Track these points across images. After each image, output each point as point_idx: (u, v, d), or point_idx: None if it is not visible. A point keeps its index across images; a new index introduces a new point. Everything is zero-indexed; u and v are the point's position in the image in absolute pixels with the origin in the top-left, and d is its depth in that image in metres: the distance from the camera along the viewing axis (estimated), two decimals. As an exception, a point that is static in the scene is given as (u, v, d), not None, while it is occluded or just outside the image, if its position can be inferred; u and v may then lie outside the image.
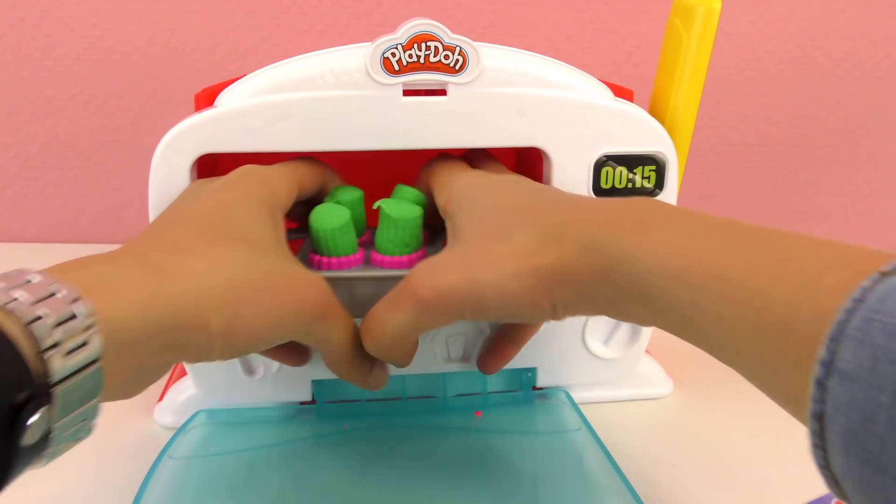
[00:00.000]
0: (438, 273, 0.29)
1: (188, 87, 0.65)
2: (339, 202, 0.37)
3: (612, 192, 0.40)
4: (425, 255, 0.36)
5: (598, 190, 0.40)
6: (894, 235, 0.75)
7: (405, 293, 0.30)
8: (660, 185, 0.40)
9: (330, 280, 0.32)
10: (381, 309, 0.31)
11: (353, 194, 0.38)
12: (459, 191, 0.34)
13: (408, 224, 0.35)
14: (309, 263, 0.36)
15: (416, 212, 0.35)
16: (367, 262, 0.37)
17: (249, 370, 0.42)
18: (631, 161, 0.39)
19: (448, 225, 0.33)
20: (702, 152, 0.71)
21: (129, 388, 0.26)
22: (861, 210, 0.74)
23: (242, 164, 0.35)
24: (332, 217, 0.35)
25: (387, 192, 0.40)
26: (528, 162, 0.46)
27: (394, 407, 0.43)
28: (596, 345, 0.44)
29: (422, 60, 0.36)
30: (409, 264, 0.35)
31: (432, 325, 0.30)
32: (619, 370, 0.45)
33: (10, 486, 0.22)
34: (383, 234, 0.36)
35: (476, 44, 0.36)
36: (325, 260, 0.35)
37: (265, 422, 0.42)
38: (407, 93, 0.37)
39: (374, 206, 0.35)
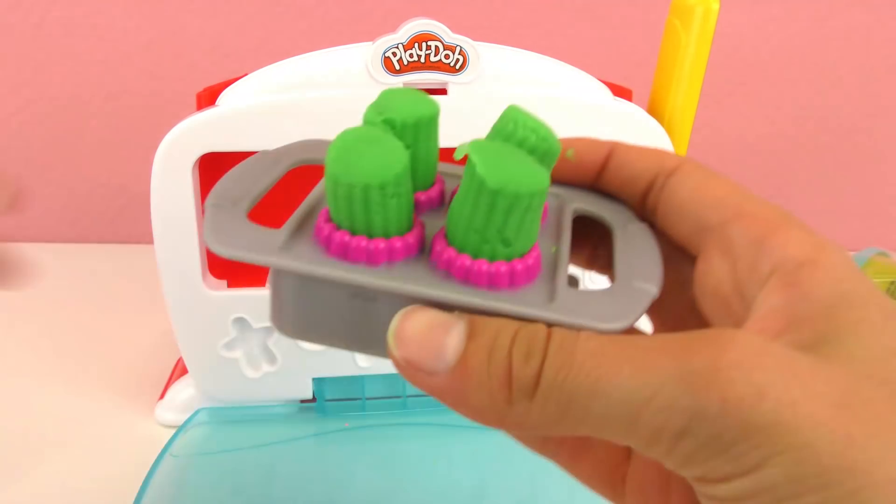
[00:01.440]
0: (802, 389, 0.13)
1: (189, 86, 0.66)
2: (390, 121, 0.20)
3: (612, 191, 0.40)
4: (538, 266, 0.19)
5: (598, 189, 0.40)
6: (894, 235, 0.75)
7: (693, 359, 0.14)
8: (659, 184, 0.40)
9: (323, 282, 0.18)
10: (606, 349, 0.15)
11: (419, 109, 0.20)
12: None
13: (519, 203, 0.17)
14: (316, 236, 0.19)
15: (538, 180, 0.17)
16: (426, 254, 0.19)
17: (252, 366, 0.42)
18: (630, 160, 0.39)
19: (789, 297, 0.16)
20: (701, 152, 0.71)
21: None
22: (861, 210, 0.74)
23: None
24: (371, 160, 0.17)
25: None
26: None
27: (396, 405, 0.43)
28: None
29: (422, 60, 0.36)
30: (507, 280, 0.18)
31: (655, 446, 0.14)
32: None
33: (10, 484, 0.22)
34: (462, 210, 0.18)
35: (476, 43, 0.36)
36: (342, 239, 0.18)
37: (266, 420, 0.42)
38: (407, 92, 0.37)
39: (456, 156, 0.18)
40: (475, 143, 0.17)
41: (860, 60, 0.69)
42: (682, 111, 0.39)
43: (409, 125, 0.19)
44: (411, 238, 0.18)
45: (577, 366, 0.14)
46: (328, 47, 0.37)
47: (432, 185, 0.21)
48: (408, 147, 0.19)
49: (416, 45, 0.36)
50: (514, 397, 0.15)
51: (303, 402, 0.43)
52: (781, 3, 0.66)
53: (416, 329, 0.16)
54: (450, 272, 0.18)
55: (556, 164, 0.21)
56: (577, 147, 0.21)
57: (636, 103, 0.40)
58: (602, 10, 0.66)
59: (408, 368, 0.16)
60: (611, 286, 0.18)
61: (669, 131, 0.39)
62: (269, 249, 0.18)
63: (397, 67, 0.36)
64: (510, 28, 0.66)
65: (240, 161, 0.22)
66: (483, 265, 0.17)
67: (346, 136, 0.18)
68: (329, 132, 0.37)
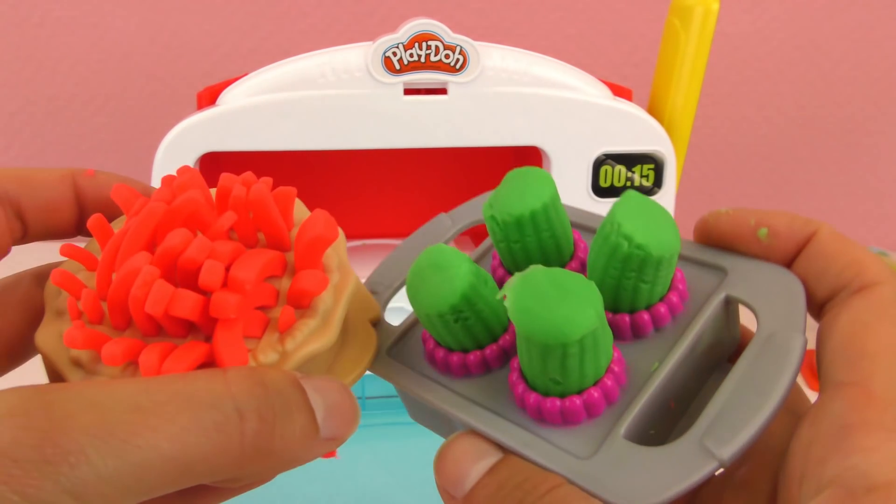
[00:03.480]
0: None
1: (189, 86, 0.66)
2: (493, 219, 0.20)
3: (611, 190, 0.40)
4: (623, 377, 0.17)
5: (598, 188, 0.40)
6: (894, 235, 0.75)
7: None
8: (658, 183, 0.40)
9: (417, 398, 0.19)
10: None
11: (524, 205, 0.19)
12: None
13: (553, 352, 0.16)
14: (431, 358, 0.20)
15: (575, 327, 0.15)
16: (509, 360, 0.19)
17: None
18: (630, 159, 0.39)
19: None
20: (701, 152, 0.71)
21: None
22: (861, 210, 0.74)
23: (244, 163, 0.35)
24: (433, 289, 0.18)
25: (389, 193, 0.39)
26: (528, 161, 0.46)
27: (397, 405, 0.43)
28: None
29: (423, 60, 0.36)
30: (558, 417, 0.17)
31: None
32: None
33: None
34: (524, 353, 0.17)
35: (476, 43, 0.36)
36: (429, 349, 0.20)
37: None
38: (408, 91, 0.37)
39: (497, 297, 0.17)
40: (519, 280, 0.16)
41: (860, 60, 0.69)
42: (682, 111, 0.39)
43: (510, 224, 0.19)
44: (489, 352, 0.19)
45: None
46: (328, 47, 0.37)
47: (567, 262, 0.20)
48: (515, 242, 0.19)
49: (417, 44, 0.36)
50: None
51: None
52: (781, 3, 0.66)
53: (451, 456, 0.17)
54: (513, 394, 0.18)
55: (747, 243, 0.19)
56: (772, 226, 0.18)
57: (636, 103, 0.40)
58: (602, 10, 0.66)
59: (441, 492, 0.17)
60: (677, 440, 0.16)
61: (669, 131, 0.39)
62: (380, 357, 0.20)
63: (397, 67, 0.36)
64: (510, 28, 0.66)
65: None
66: (534, 398, 0.17)
67: (421, 260, 0.18)
68: (329, 132, 0.37)
